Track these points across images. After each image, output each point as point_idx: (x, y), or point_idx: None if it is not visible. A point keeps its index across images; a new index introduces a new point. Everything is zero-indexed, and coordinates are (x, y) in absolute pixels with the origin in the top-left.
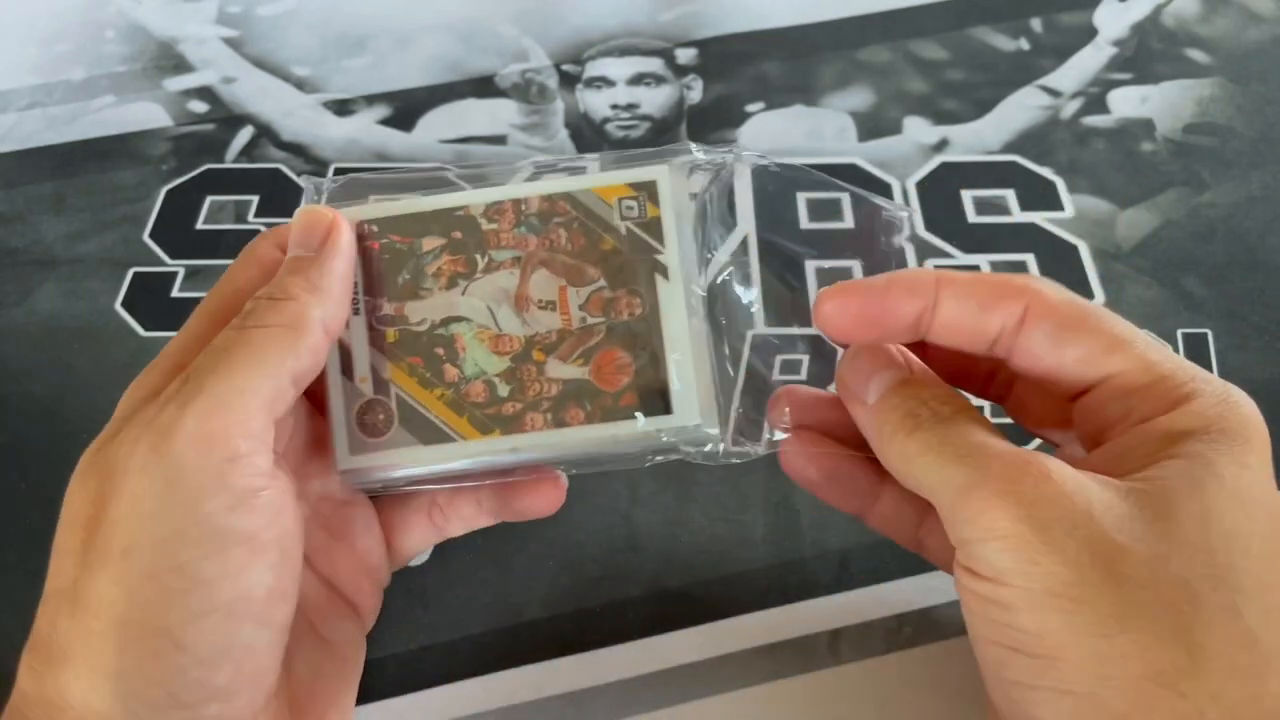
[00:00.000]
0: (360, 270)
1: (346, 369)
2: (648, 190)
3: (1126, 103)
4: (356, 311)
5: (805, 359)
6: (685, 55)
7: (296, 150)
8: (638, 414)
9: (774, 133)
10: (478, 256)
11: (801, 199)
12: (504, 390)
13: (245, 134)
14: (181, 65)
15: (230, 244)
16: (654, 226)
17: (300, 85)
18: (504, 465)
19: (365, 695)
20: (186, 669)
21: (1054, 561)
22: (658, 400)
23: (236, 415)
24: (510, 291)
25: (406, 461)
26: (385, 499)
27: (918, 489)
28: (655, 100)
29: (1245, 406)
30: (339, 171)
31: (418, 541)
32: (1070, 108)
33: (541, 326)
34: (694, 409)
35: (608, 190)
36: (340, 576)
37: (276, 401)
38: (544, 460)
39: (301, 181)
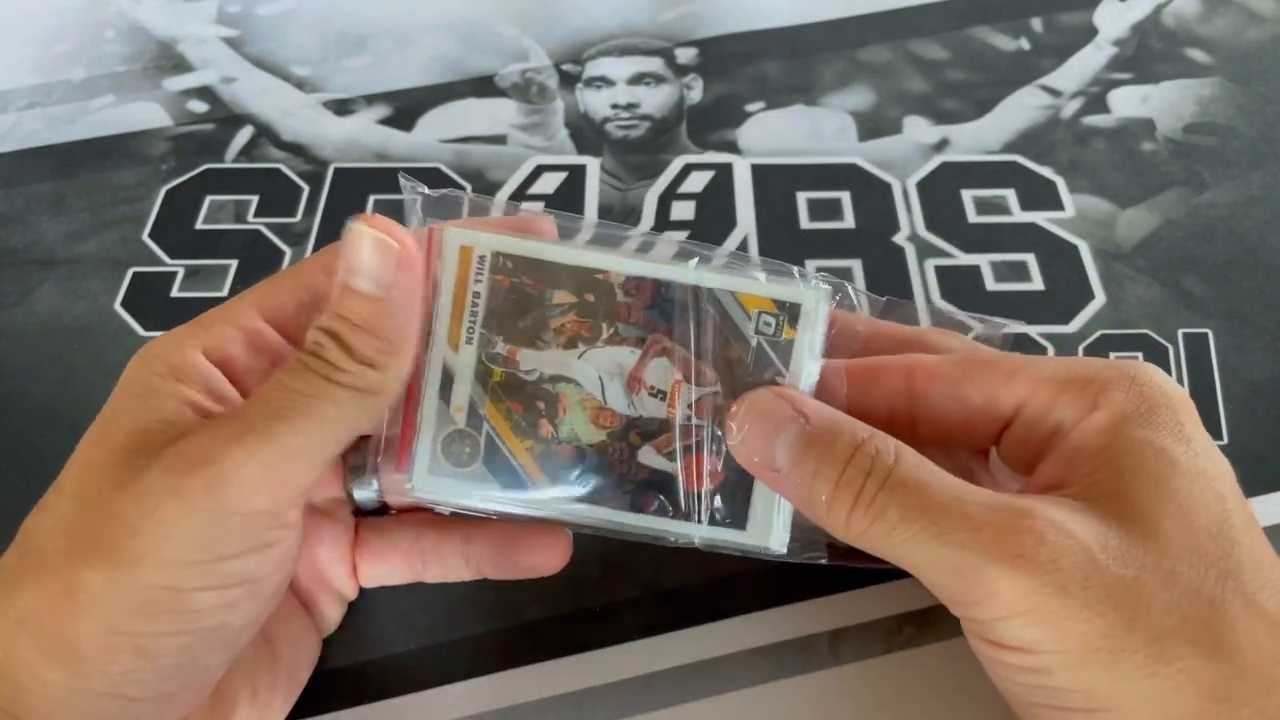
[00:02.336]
0: (484, 302)
1: (445, 393)
2: (790, 311)
3: (1127, 102)
4: (470, 342)
5: None
6: (685, 55)
7: (296, 150)
8: (710, 522)
9: (774, 132)
10: (604, 325)
11: (802, 198)
12: (592, 462)
13: (245, 134)
14: (181, 65)
15: (230, 244)
16: (785, 348)
17: (300, 85)
18: (575, 527)
19: (365, 695)
20: (143, 673)
21: (1081, 620)
22: (734, 516)
23: (297, 475)
24: (626, 369)
25: (479, 499)
26: (369, 524)
27: (896, 562)
28: (655, 100)
29: (1155, 377)
30: (339, 172)
31: (388, 575)
32: (1070, 107)
33: (646, 412)
34: (767, 533)
35: (751, 300)
36: (298, 578)
37: (323, 463)
38: (605, 533)
39: (402, 180)
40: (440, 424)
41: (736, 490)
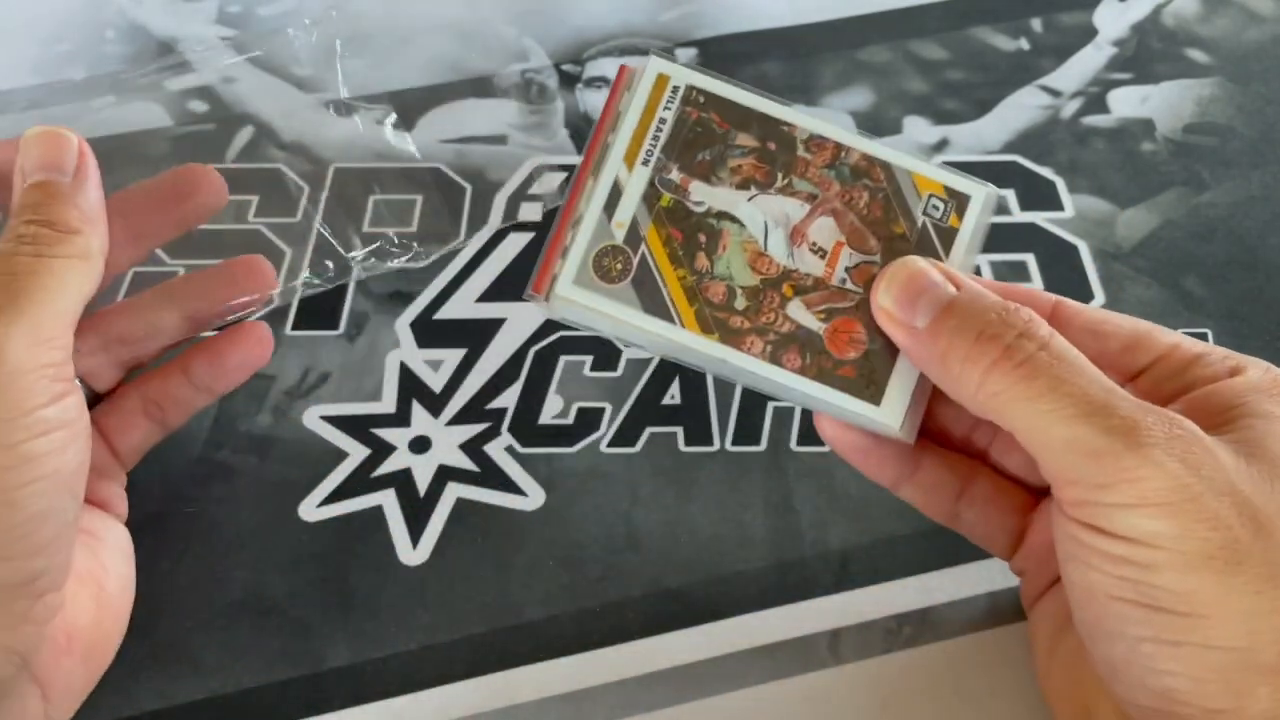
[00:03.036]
0: (669, 129)
1: (610, 207)
2: (959, 201)
3: (1126, 103)
4: (646, 163)
5: None
6: (685, 55)
7: (296, 150)
8: (844, 390)
9: None
10: (779, 174)
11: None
12: (741, 303)
13: (245, 134)
14: (182, 65)
15: (230, 244)
16: (949, 235)
17: (300, 85)
18: (698, 366)
19: (365, 695)
20: (17, 525)
21: (1209, 526)
22: (871, 388)
23: (56, 332)
24: (792, 220)
25: (618, 318)
26: (98, 406)
27: (1019, 431)
28: None
29: None
30: (339, 172)
31: (141, 440)
32: (1070, 107)
33: (804, 266)
34: (899, 414)
35: (925, 181)
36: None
37: (75, 322)
38: (735, 380)
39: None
40: (598, 236)
41: (877, 364)
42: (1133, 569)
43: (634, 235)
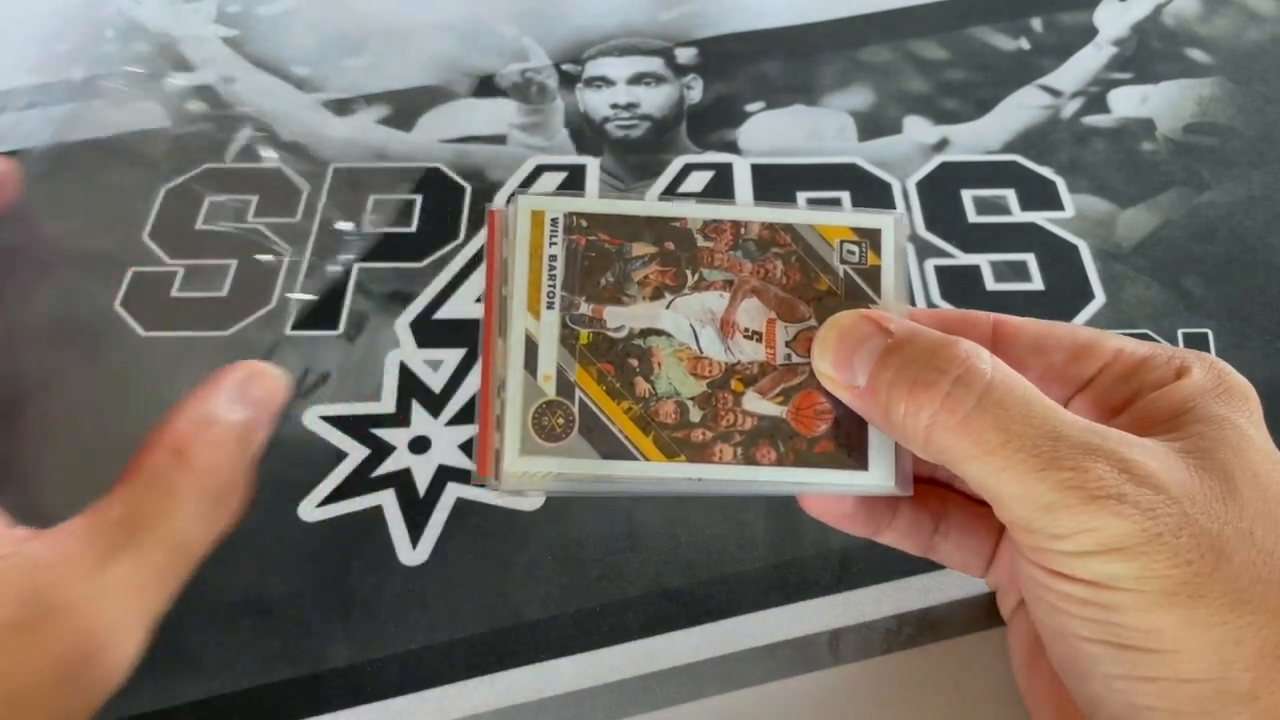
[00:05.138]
0: (561, 264)
1: (530, 364)
2: (871, 238)
3: (1127, 102)
4: (551, 306)
5: None
6: (685, 55)
7: (296, 150)
8: (829, 466)
9: (774, 132)
10: (688, 272)
11: (802, 198)
12: (696, 415)
13: (245, 134)
14: (182, 65)
15: (230, 244)
16: (873, 275)
17: (300, 85)
18: (679, 494)
19: (365, 695)
20: None
21: (1168, 565)
22: (854, 454)
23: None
24: (717, 314)
25: (579, 473)
26: None
27: (973, 483)
28: (655, 100)
29: (1232, 369)
30: (339, 172)
31: None
32: (1070, 107)
33: (745, 356)
34: (888, 470)
35: (831, 230)
36: None
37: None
38: (724, 494)
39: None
40: (529, 397)
41: (851, 428)
42: (1097, 610)
43: (565, 384)
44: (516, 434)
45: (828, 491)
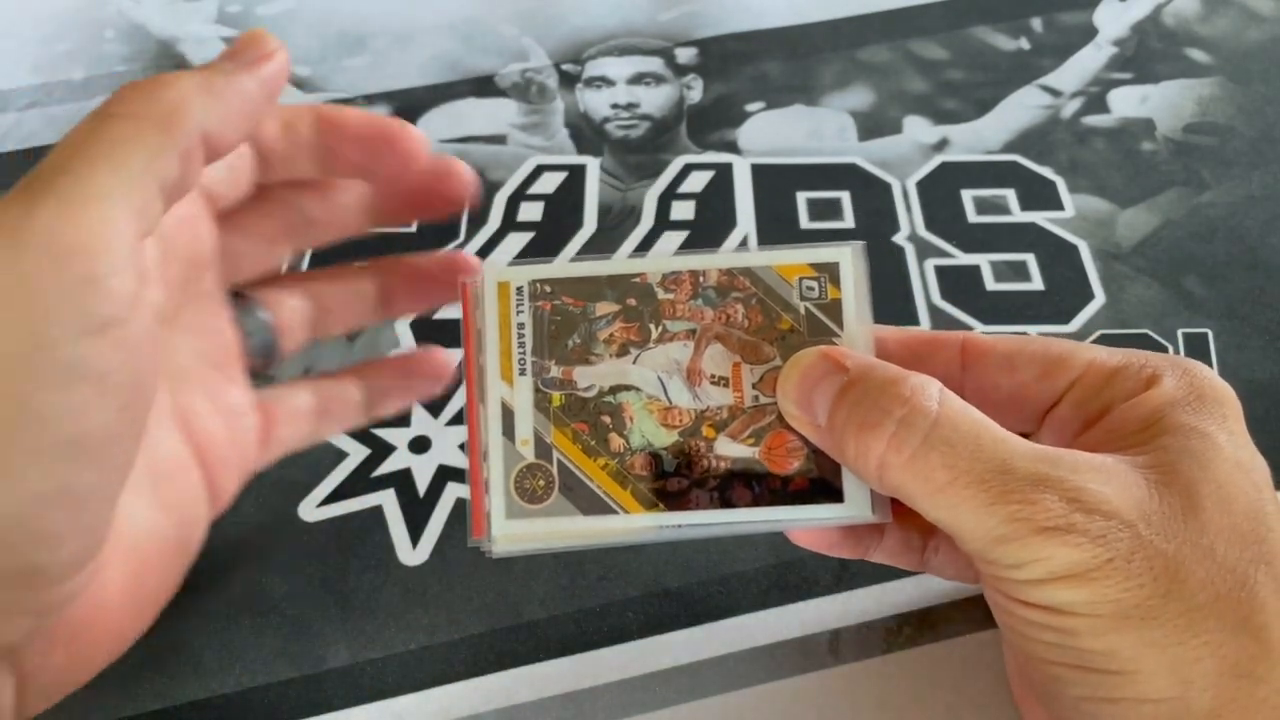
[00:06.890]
0: (530, 331)
1: (508, 430)
2: (829, 272)
3: (1126, 102)
4: (523, 373)
5: None
6: (685, 55)
7: None
8: (805, 501)
9: (774, 133)
10: (651, 326)
11: (801, 198)
12: (670, 465)
13: None
14: (181, 65)
15: None
16: (834, 309)
17: (300, 85)
18: (664, 540)
19: (365, 695)
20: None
21: (1120, 590)
22: (829, 488)
23: (94, 225)
24: (683, 364)
25: (563, 532)
26: (268, 393)
27: (930, 516)
28: (655, 100)
29: (1208, 373)
30: None
31: (292, 438)
32: (1070, 107)
33: (713, 402)
34: (864, 500)
35: (789, 269)
36: (202, 443)
37: (144, 214)
38: (707, 537)
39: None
40: (509, 462)
41: (823, 462)
42: (1057, 634)
43: (543, 446)
44: (501, 500)
45: (808, 526)
